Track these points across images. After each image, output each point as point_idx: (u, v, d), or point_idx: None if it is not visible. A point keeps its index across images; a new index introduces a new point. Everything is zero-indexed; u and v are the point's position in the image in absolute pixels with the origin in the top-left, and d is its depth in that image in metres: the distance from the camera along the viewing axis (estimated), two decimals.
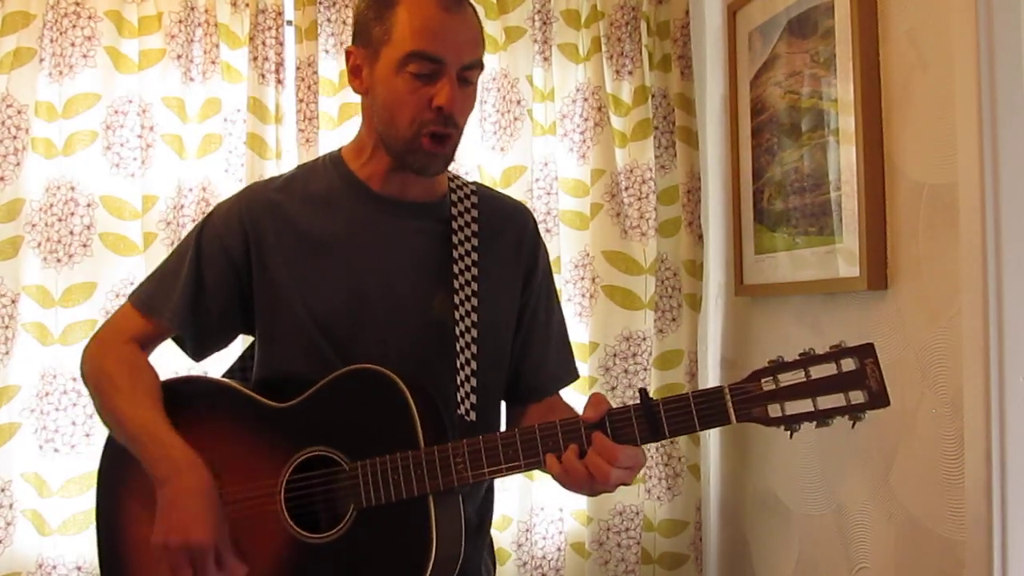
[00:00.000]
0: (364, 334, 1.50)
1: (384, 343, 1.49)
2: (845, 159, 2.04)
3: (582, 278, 2.74)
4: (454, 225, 1.55)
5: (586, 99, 2.74)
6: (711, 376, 2.80)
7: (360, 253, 1.53)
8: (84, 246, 2.59)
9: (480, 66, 1.50)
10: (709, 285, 2.80)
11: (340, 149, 1.63)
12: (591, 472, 1.32)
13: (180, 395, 1.54)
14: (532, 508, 2.68)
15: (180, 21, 2.64)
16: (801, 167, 2.23)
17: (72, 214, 2.59)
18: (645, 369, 2.71)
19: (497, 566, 2.64)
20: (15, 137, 2.57)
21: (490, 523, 1.66)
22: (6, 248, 2.55)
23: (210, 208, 2.59)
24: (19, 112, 2.58)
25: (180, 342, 1.62)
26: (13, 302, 2.54)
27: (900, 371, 1.90)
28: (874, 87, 1.96)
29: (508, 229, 1.62)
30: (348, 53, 1.54)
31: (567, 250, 2.75)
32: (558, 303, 1.70)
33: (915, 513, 1.86)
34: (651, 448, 2.70)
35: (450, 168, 1.60)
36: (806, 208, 2.21)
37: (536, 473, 2.65)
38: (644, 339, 2.71)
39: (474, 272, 1.53)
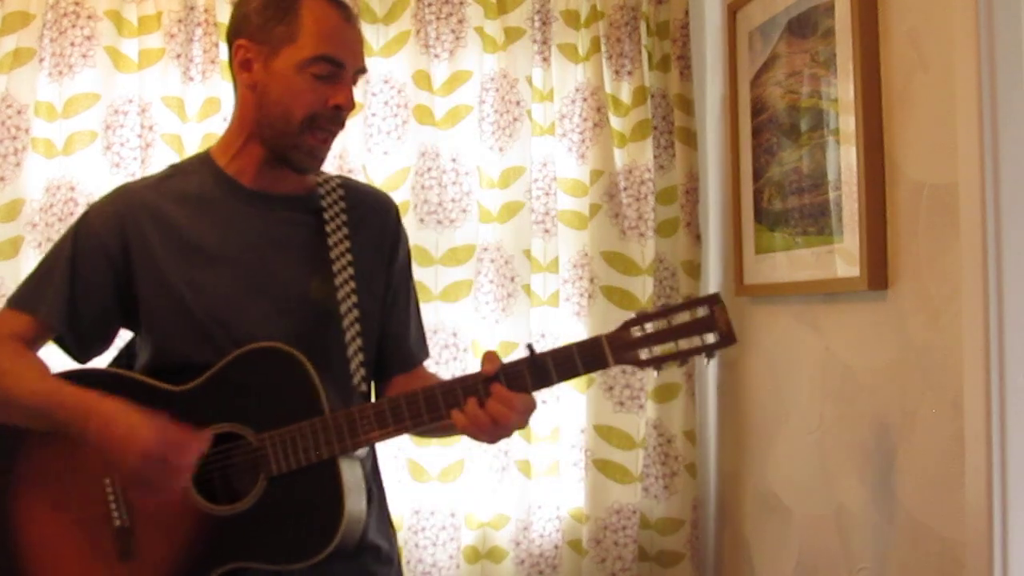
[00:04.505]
0: (255, 323, 1.56)
1: (275, 329, 1.56)
2: (845, 159, 2.04)
3: (580, 278, 2.74)
4: (325, 216, 1.64)
5: (585, 99, 2.74)
6: (710, 377, 2.80)
7: (240, 248, 1.59)
8: None
9: (365, 71, 1.64)
10: (708, 285, 2.80)
11: (208, 149, 1.69)
12: (494, 418, 1.45)
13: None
14: (530, 506, 2.68)
15: (180, 21, 2.64)
16: (801, 167, 2.23)
17: (72, 214, 2.58)
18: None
19: (493, 564, 2.67)
20: (15, 137, 2.57)
21: (383, 493, 1.71)
22: (6, 248, 2.55)
23: None
24: (19, 112, 2.57)
25: (62, 344, 1.61)
26: None
27: (900, 371, 1.90)
28: (874, 87, 1.97)
29: (373, 216, 1.72)
30: (238, 47, 1.60)
31: (565, 250, 2.75)
32: (415, 287, 1.81)
33: (915, 513, 1.86)
34: (649, 447, 2.70)
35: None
36: (806, 208, 2.21)
37: (533, 471, 2.67)
38: None
39: (349, 258, 1.63)
